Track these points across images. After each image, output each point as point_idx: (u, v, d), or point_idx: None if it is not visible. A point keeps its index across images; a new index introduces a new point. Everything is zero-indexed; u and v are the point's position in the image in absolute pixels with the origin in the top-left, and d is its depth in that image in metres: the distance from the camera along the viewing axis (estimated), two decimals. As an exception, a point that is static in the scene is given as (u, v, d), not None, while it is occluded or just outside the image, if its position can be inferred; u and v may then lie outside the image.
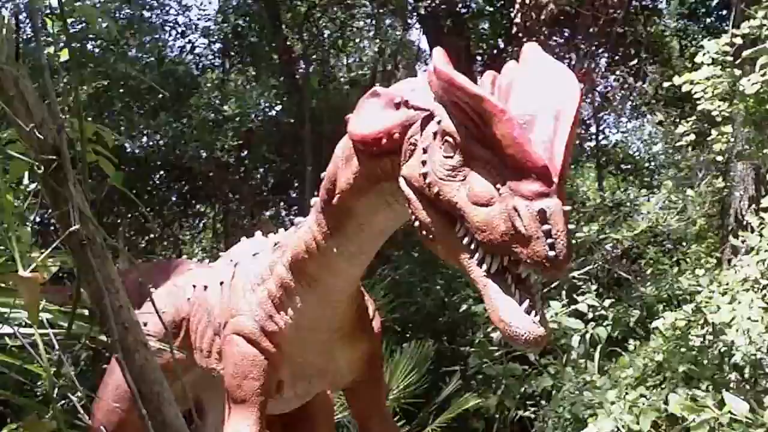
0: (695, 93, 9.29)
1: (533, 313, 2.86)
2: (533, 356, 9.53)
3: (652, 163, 16.13)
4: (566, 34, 14.66)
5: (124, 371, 2.68)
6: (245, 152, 15.68)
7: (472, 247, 2.96)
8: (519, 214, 2.76)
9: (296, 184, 17.07)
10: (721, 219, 11.70)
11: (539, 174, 2.78)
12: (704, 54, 9.26)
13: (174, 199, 16.82)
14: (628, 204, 12.09)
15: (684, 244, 12.12)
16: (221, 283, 5.12)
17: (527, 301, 2.87)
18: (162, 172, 15.88)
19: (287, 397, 4.93)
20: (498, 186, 2.86)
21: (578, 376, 8.67)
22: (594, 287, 10.39)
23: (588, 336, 9.34)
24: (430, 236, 3.23)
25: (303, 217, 4.55)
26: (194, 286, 5.46)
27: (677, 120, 14.93)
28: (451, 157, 3.06)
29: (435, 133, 3.18)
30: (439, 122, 3.16)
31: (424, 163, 3.20)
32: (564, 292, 10.06)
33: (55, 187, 2.66)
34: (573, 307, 9.50)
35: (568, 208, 2.84)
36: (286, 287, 4.54)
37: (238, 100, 13.66)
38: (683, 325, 7.73)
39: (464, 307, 10.56)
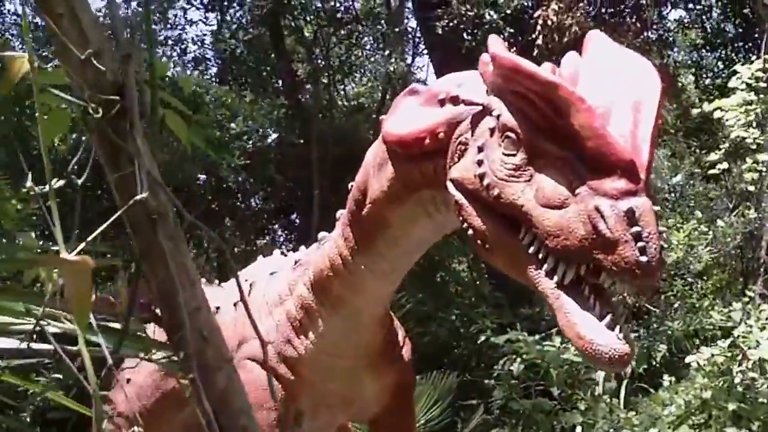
0: (726, 120, 8.92)
1: (617, 328, 2.50)
2: (558, 390, 9.05)
3: (673, 195, 15.83)
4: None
5: (200, 398, 1.88)
6: (246, 176, 15.34)
7: (541, 255, 2.62)
8: (602, 215, 2.42)
9: (297, 210, 16.73)
10: (752, 250, 11.30)
11: (625, 169, 2.46)
12: (737, 79, 8.96)
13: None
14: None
15: (707, 277, 11.70)
16: (235, 305, 4.66)
17: (609, 315, 2.52)
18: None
19: (308, 430, 4.45)
20: (574, 185, 2.53)
21: (612, 412, 8.20)
22: (619, 320, 9.91)
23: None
24: (487, 245, 2.84)
25: (305, 243, 4.23)
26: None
27: (696, 150, 14.60)
28: (514, 155, 2.71)
29: (492, 129, 2.82)
30: (498, 116, 2.77)
31: (480, 163, 2.82)
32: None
33: (114, 140, 1.86)
34: (599, 339, 9.00)
35: (657, 208, 2.45)
36: (308, 309, 4.13)
37: (245, 120, 13.37)
38: (722, 361, 7.30)
39: (482, 338, 10.11)
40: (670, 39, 16.43)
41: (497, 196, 2.72)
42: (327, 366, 4.22)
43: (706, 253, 10.42)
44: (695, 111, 9.94)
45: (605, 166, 2.46)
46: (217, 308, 4.87)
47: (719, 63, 17.10)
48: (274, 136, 16.08)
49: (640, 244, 2.35)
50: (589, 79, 2.71)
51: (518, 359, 9.07)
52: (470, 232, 2.89)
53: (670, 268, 10.77)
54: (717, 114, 9.18)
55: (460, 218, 2.94)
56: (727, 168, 9.83)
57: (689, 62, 17.65)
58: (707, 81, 17.33)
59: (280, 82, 15.93)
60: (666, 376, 8.68)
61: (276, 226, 17.97)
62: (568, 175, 2.54)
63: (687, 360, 7.99)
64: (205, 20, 16.66)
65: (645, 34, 14.47)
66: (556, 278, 2.57)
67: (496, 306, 11.73)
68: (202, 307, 1.98)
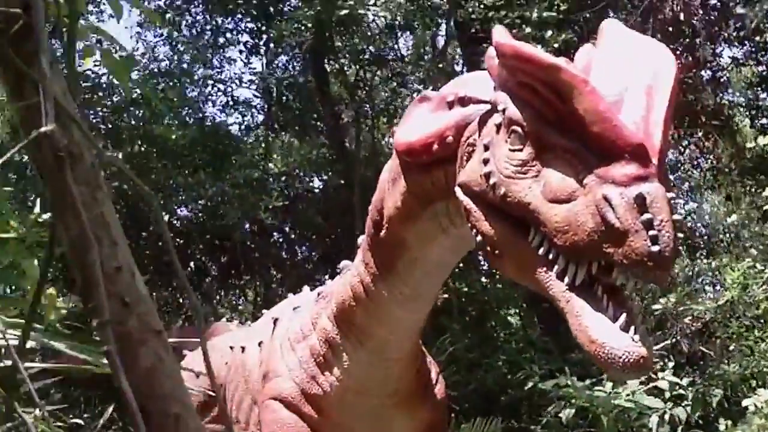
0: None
1: (632, 329, 2.36)
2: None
3: (728, 236, 15.52)
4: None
5: (118, 374, 1.52)
6: (289, 222, 15.28)
7: (551, 256, 2.50)
8: (611, 204, 2.29)
9: (342, 258, 16.62)
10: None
11: (634, 153, 2.34)
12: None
13: (214, 272, 16.38)
14: (710, 273, 11.42)
15: (764, 318, 11.31)
16: (260, 344, 4.54)
17: (623, 315, 2.38)
18: (201, 246, 15.51)
19: (335, 474, 4.25)
20: (581, 176, 2.41)
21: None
22: (671, 364, 9.57)
23: (667, 416, 8.53)
24: (496, 251, 2.70)
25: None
26: (231, 348, 4.89)
27: (752, 190, 14.24)
28: (520, 150, 2.59)
29: (498, 125, 2.69)
30: (503, 111, 2.64)
31: (486, 162, 2.69)
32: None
33: (19, 66, 1.61)
34: (651, 384, 8.71)
35: (671, 195, 2.29)
36: (332, 343, 3.97)
37: (284, 157, 13.35)
38: (781, 404, 7.00)
39: (530, 384, 9.83)
40: (724, 78, 16.14)
41: (504, 195, 2.59)
42: (354, 404, 4.06)
43: (762, 293, 10.06)
44: (750, 145, 9.68)
45: (613, 151, 2.32)
46: (243, 348, 4.76)
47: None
48: (318, 181, 16.07)
49: (651, 233, 2.20)
50: (602, 68, 2.59)
51: (567, 405, 8.80)
52: (479, 237, 2.75)
53: (725, 309, 10.45)
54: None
55: (469, 225, 2.79)
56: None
57: (744, 102, 17.30)
58: (763, 120, 16.97)
59: (323, 125, 15.92)
60: (722, 420, 8.37)
61: (322, 275, 17.91)
62: (576, 166, 2.40)
63: (744, 403, 7.69)
64: (247, 62, 16.62)
65: (698, 72, 14.24)
66: (567, 280, 2.42)
67: (545, 351, 11.46)
68: (124, 268, 1.70)
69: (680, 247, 2.40)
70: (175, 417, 1.68)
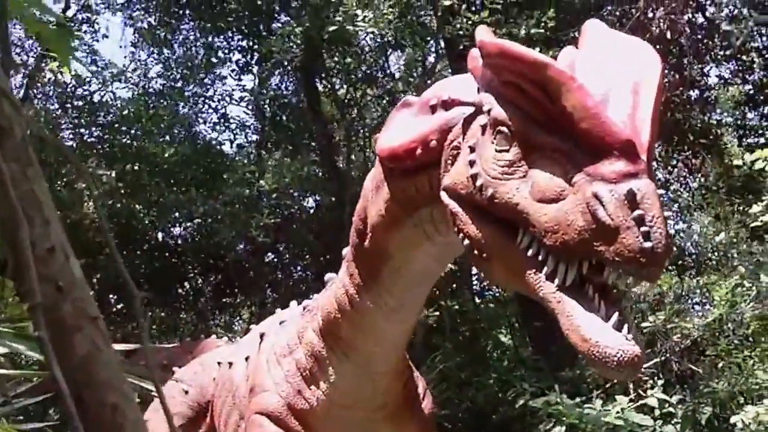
0: (769, 169, 8.70)
1: (625, 328, 2.36)
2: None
3: (716, 254, 15.53)
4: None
5: (51, 362, 1.44)
6: (282, 241, 15.25)
7: (540, 257, 2.48)
8: (601, 201, 2.28)
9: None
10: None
11: (623, 150, 2.33)
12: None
13: (209, 291, 16.35)
14: (698, 291, 11.42)
15: (753, 337, 11.31)
16: (247, 359, 4.53)
17: (616, 314, 2.37)
18: (197, 265, 15.50)
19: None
20: (570, 175, 2.34)
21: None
22: (660, 382, 9.56)
23: (656, 435, 8.52)
24: (484, 254, 2.68)
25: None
26: (219, 364, 4.89)
27: (740, 209, 14.28)
28: (507, 151, 2.56)
29: (484, 127, 2.67)
30: (489, 111, 2.63)
31: (472, 163, 2.68)
32: (631, 386, 9.26)
33: None
34: (641, 401, 8.69)
35: (662, 191, 2.27)
36: (318, 357, 3.96)
37: (275, 175, 13.36)
38: (768, 420, 6.99)
39: (521, 402, 9.81)
40: (712, 97, 16.20)
41: (491, 197, 2.57)
42: (340, 418, 4.05)
43: (750, 310, 10.05)
44: (737, 162, 9.68)
45: (602, 147, 2.32)
46: (230, 364, 4.76)
47: (762, 120, 16.81)
48: (311, 201, 16.04)
49: (643, 228, 2.21)
50: (586, 67, 2.58)
51: (558, 423, 8.76)
52: (465, 241, 2.73)
53: (714, 326, 10.44)
54: (758, 165, 8.93)
55: (456, 229, 2.78)
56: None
57: (731, 121, 17.37)
58: (750, 139, 17.04)
59: (315, 144, 15.94)
60: (710, 438, 8.36)
61: (316, 294, 17.87)
62: (565, 165, 2.40)
63: (732, 420, 7.67)
64: (238, 80, 16.65)
65: (686, 91, 14.29)
66: (557, 281, 2.41)
67: (536, 370, 11.44)
68: (57, 249, 1.58)
69: (672, 248, 2.42)
70: (113, 407, 1.59)
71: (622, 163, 2.29)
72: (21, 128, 1.57)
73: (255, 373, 4.28)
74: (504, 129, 2.56)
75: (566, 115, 2.37)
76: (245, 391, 4.37)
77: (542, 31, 11.15)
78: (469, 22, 11.36)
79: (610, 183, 2.28)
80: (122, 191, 13.29)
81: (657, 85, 2.49)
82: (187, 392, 4.96)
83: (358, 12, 11.16)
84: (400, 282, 3.48)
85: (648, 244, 2.20)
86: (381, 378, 3.97)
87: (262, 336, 4.51)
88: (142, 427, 1.62)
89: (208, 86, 16.30)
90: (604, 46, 2.67)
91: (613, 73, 2.53)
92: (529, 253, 2.48)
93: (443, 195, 2.85)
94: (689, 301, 12.35)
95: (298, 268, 16.69)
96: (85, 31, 18.09)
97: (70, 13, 17.62)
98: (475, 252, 2.71)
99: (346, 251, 3.75)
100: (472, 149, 2.71)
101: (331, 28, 11.82)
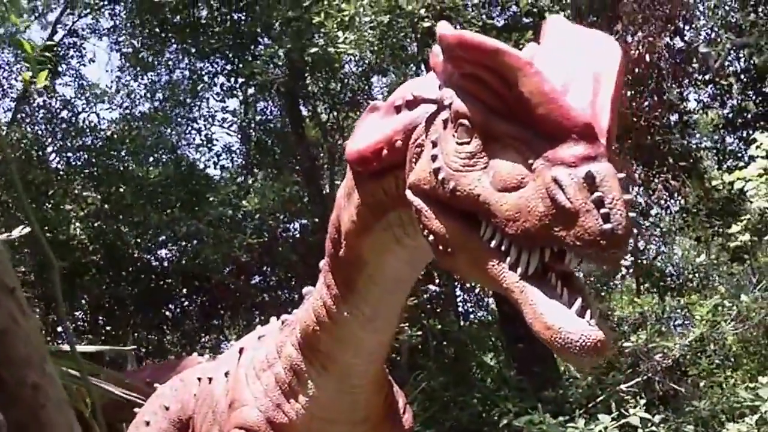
0: (747, 191, 8.77)
1: (587, 314, 2.31)
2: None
3: (697, 276, 15.64)
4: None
5: None
6: (267, 263, 15.24)
7: (503, 247, 2.45)
8: (561, 185, 2.25)
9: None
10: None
11: (582, 133, 2.31)
12: (757, 148, 8.85)
13: (194, 313, 16.32)
14: (680, 310, 11.44)
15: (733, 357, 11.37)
16: (226, 374, 4.51)
17: (578, 301, 2.33)
18: (182, 287, 15.48)
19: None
20: (530, 162, 2.33)
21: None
22: (643, 401, 9.57)
23: (640, 454, 8.52)
24: (448, 249, 2.67)
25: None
26: (199, 379, 4.86)
27: (720, 230, 14.37)
28: (468, 143, 2.56)
29: (445, 121, 2.67)
30: (449, 105, 2.64)
31: (434, 158, 2.68)
32: (613, 405, 9.27)
33: None
34: (623, 420, 8.70)
35: (622, 174, 2.26)
36: (297, 371, 3.95)
37: (258, 196, 13.38)
38: (749, 438, 7.02)
39: (504, 421, 9.81)
40: (691, 121, 16.34)
41: (453, 189, 2.57)
42: None
43: (731, 329, 10.10)
44: (716, 182, 9.76)
45: (560, 132, 2.32)
46: (210, 379, 4.74)
47: (741, 143, 16.96)
48: (296, 224, 16.05)
49: (603, 211, 2.19)
50: (547, 60, 2.57)
51: (542, 443, 8.75)
52: (430, 238, 2.73)
53: (695, 346, 10.48)
54: (738, 184, 9.01)
55: (421, 227, 2.78)
56: (749, 241, 9.61)
57: (710, 145, 17.51)
58: (729, 162, 17.18)
59: (299, 167, 15.99)
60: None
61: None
62: (525, 152, 2.39)
63: (714, 438, 7.70)
64: (224, 104, 16.74)
65: (665, 115, 14.39)
66: (520, 270, 2.40)
67: (519, 390, 11.46)
68: None
69: (634, 229, 2.42)
70: (34, 386, 1.47)
71: (581, 147, 2.29)
72: None
73: (234, 388, 4.25)
74: (464, 121, 2.57)
75: (524, 101, 2.37)
76: (225, 406, 4.35)
77: (526, 50, 11.25)
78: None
79: (570, 167, 2.26)
80: (108, 212, 13.29)
81: (617, 73, 2.50)
82: (167, 408, 4.94)
83: (339, 34, 11.21)
84: (375, 290, 3.46)
85: (608, 226, 2.18)
86: (361, 391, 3.95)
87: (241, 351, 4.48)
88: (66, 408, 1.51)
89: (192, 108, 16.33)
90: (565, 39, 2.68)
91: (574, 64, 2.53)
92: (492, 244, 2.47)
93: (408, 193, 2.85)
94: (671, 321, 12.37)
95: (285, 290, 16.67)
96: (71, 56, 18.20)
97: (56, 38, 17.72)
98: (440, 248, 2.70)
99: (323, 263, 3.75)
100: (435, 144, 2.72)
101: (313, 50, 11.85)
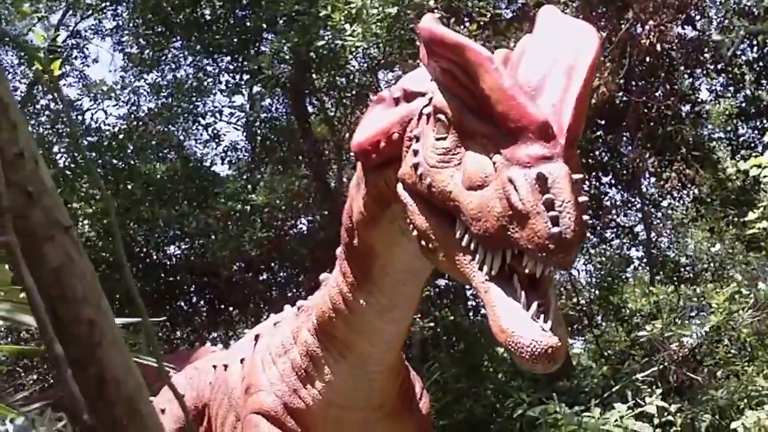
0: (764, 178, 8.70)
1: (542, 318, 2.32)
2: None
3: (712, 265, 15.54)
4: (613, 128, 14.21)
5: (21, 272, 1.32)
6: (276, 259, 15.18)
7: (472, 247, 2.46)
8: (515, 185, 2.26)
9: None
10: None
11: (537, 132, 2.30)
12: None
13: (203, 309, 16.30)
14: (695, 300, 11.37)
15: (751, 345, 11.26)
16: (242, 361, 4.47)
17: (535, 304, 2.34)
18: (191, 283, 15.45)
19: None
20: (494, 160, 2.32)
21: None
22: (659, 391, 9.49)
23: (656, 443, 8.44)
24: (430, 245, 2.67)
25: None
26: (215, 367, 4.83)
27: (735, 220, 14.28)
28: (444, 138, 2.55)
29: (428, 115, 2.68)
30: (430, 100, 2.65)
31: (416, 153, 2.69)
32: (629, 394, 9.19)
33: None
34: (640, 410, 8.63)
35: (579, 176, 2.24)
36: (313, 356, 3.89)
37: (267, 190, 13.35)
38: (769, 425, 6.94)
39: (519, 411, 9.73)
40: (704, 111, 16.23)
41: (429, 186, 2.57)
42: (337, 418, 3.98)
43: (749, 317, 9.99)
44: (731, 171, 9.68)
45: (518, 130, 2.29)
46: (225, 367, 4.70)
47: (754, 133, 16.85)
48: (304, 219, 15.99)
49: (551, 214, 2.16)
50: (532, 54, 2.57)
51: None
52: (415, 233, 2.72)
53: (711, 334, 10.39)
54: (753, 172, 8.93)
55: (408, 221, 2.77)
56: (766, 229, 9.50)
57: (723, 134, 17.41)
58: (743, 152, 17.07)
59: (307, 160, 15.93)
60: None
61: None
62: (490, 150, 2.36)
63: (732, 426, 7.61)
64: (230, 100, 16.69)
65: (677, 105, 14.29)
66: (485, 269, 2.38)
67: (533, 380, 11.39)
68: (26, 154, 1.46)
69: (585, 234, 2.37)
70: (90, 323, 1.48)
71: (537, 146, 2.26)
72: None
73: (250, 374, 4.22)
74: (442, 117, 2.56)
75: (485, 98, 2.35)
76: (241, 392, 4.31)
77: (530, 39, 11.18)
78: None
79: (525, 167, 2.24)
80: (116, 210, 13.29)
81: (589, 67, 2.46)
82: (183, 396, 4.91)
83: (347, 27, 11.15)
84: (389, 281, 3.43)
85: (556, 230, 2.15)
86: (377, 378, 3.90)
87: (256, 337, 4.45)
88: (122, 346, 1.52)
89: (197, 105, 16.30)
90: (551, 30, 2.66)
91: (553, 57, 2.51)
92: (464, 242, 2.46)
93: (399, 187, 2.85)
94: (686, 310, 12.32)
95: (292, 286, 16.62)
96: (75, 57, 18.20)
97: (60, 40, 17.71)
98: (422, 243, 2.70)
99: (339, 250, 3.71)
100: (417, 139, 2.72)
101: (320, 43, 11.81)
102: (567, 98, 2.39)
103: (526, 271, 2.31)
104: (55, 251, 1.46)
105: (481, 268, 2.41)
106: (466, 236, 2.45)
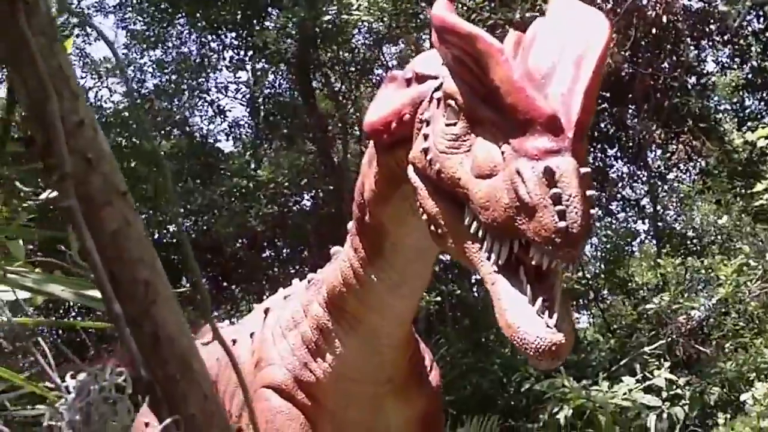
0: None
1: (547, 314, 2.27)
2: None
3: (720, 237, 15.50)
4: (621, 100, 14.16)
5: (81, 233, 1.44)
6: (279, 235, 15.18)
7: (480, 234, 2.43)
8: (523, 178, 2.23)
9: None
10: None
11: (546, 126, 2.27)
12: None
13: (206, 286, 16.33)
14: (703, 272, 11.35)
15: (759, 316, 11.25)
16: (251, 335, 4.43)
17: (540, 299, 2.29)
18: (195, 260, 15.49)
19: (329, 463, 4.10)
20: (503, 150, 2.36)
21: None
22: (667, 364, 9.49)
23: (665, 416, 8.44)
24: (439, 230, 2.65)
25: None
26: None
27: (742, 191, 14.24)
28: (454, 124, 2.55)
29: (439, 100, 2.64)
30: (440, 85, 2.61)
31: (426, 137, 2.66)
32: (638, 367, 9.20)
33: None
34: (648, 383, 8.64)
35: (587, 169, 2.21)
36: (323, 330, 3.84)
37: (272, 165, 13.33)
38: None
39: (526, 385, 9.75)
40: (710, 82, 16.16)
41: (438, 171, 2.55)
42: (348, 392, 3.94)
43: (757, 289, 9.99)
44: (737, 142, 9.64)
45: (527, 123, 2.27)
46: (234, 341, 4.65)
47: (761, 104, 16.76)
48: (308, 195, 15.98)
49: (558, 208, 2.14)
50: (543, 40, 2.53)
51: (565, 406, 8.69)
52: (424, 217, 2.69)
53: (719, 306, 10.38)
54: (760, 143, 8.91)
55: (417, 204, 2.73)
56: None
57: (730, 105, 17.34)
58: (749, 123, 17.00)
59: (311, 135, 15.90)
60: (721, 415, 8.30)
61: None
62: (500, 140, 2.35)
63: (742, 398, 7.62)
64: (234, 76, 16.63)
65: (683, 77, 14.22)
66: (492, 258, 2.36)
67: (540, 354, 11.44)
68: (86, 123, 1.55)
69: (591, 228, 2.36)
70: (145, 283, 1.58)
71: (545, 139, 2.24)
72: (45, 2, 1.52)
73: (260, 347, 4.18)
74: (452, 102, 2.53)
75: (495, 89, 2.33)
76: (251, 366, 4.28)
77: (537, 14, 11.09)
78: (464, 8, 11.30)
79: (532, 159, 2.22)
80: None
81: (599, 57, 2.42)
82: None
83: (353, 0, 11.08)
84: (399, 258, 3.39)
85: (563, 224, 2.14)
86: (387, 351, 3.86)
87: (266, 311, 4.41)
88: (175, 305, 1.61)
89: (203, 80, 16.22)
90: (563, 17, 2.61)
91: (563, 45, 2.48)
92: (472, 229, 2.44)
93: (409, 169, 2.82)
94: (693, 283, 12.31)
95: (296, 262, 16.63)
96: (77, 35, 18.10)
97: (61, 18, 17.61)
98: (431, 227, 2.68)
99: (350, 225, 3.67)
100: (427, 123, 2.69)
101: (326, 18, 11.75)
102: (576, 90, 2.36)
103: (533, 262, 2.28)
104: (112, 215, 1.56)
105: (489, 257, 2.38)
106: (475, 223, 2.43)
